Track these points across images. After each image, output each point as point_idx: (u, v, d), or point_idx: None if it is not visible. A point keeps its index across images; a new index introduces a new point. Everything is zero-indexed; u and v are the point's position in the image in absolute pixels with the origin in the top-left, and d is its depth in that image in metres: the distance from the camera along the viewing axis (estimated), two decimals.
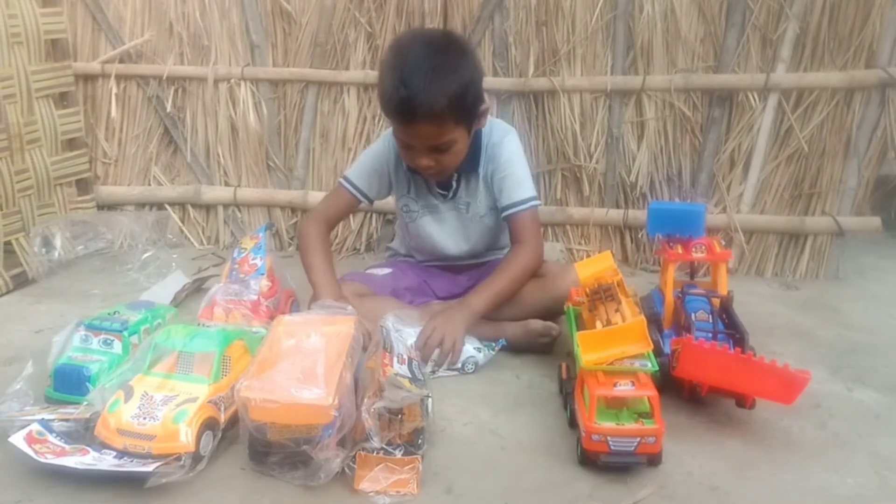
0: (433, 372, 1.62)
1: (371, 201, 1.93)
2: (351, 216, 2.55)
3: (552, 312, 1.78)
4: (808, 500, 1.23)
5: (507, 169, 1.82)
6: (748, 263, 2.38)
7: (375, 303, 1.75)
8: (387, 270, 1.95)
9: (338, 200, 1.93)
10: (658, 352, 1.46)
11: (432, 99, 1.58)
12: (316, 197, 2.56)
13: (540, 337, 1.74)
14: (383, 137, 1.90)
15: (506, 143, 1.84)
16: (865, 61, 2.22)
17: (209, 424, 1.29)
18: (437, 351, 1.62)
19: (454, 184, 1.87)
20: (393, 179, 1.90)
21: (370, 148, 1.94)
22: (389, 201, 2.00)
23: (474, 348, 1.67)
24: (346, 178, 1.90)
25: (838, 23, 2.22)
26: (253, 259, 1.85)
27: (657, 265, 2.35)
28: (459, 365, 1.65)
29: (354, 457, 1.23)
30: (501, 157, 1.83)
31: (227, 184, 2.64)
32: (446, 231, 1.93)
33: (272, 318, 1.63)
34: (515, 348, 1.74)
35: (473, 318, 1.70)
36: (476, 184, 1.86)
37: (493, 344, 1.69)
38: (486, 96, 1.78)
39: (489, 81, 2.28)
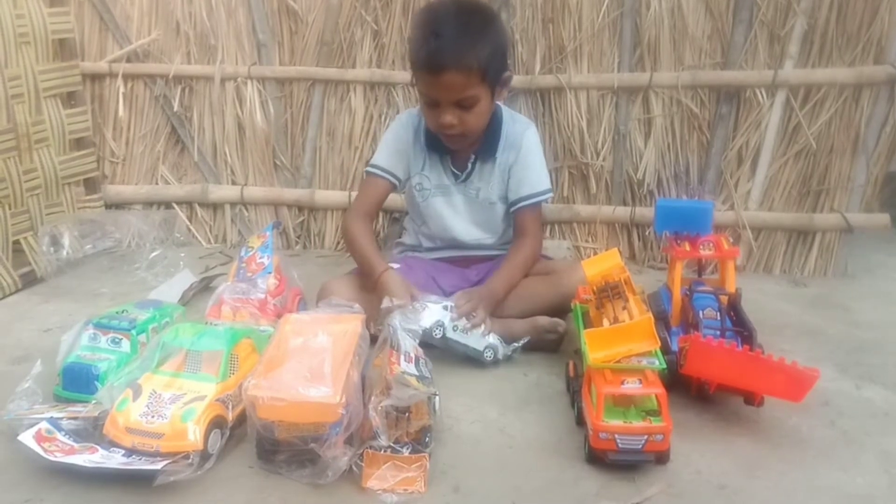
0: (457, 330, 1.64)
1: (401, 182, 1.95)
2: None
3: (560, 310, 1.78)
4: (817, 498, 1.22)
5: (526, 159, 1.89)
6: (756, 261, 2.37)
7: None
8: (395, 266, 1.96)
9: (371, 191, 1.95)
10: (666, 349, 1.46)
11: (462, 49, 1.67)
12: (322, 195, 2.57)
13: (547, 333, 1.74)
14: (399, 117, 2.00)
15: (528, 135, 1.91)
16: (874, 57, 2.20)
17: (217, 423, 1.29)
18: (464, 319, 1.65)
19: (469, 165, 1.90)
20: (410, 155, 1.93)
21: (387, 131, 2.00)
22: (396, 199, 2.00)
23: (497, 339, 1.68)
24: (373, 166, 1.94)
25: (846, 18, 2.20)
26: (260, 258, 1.85)
27: (665, 263, 2.35)
28: (481, 348, 1.66)
29: (362, 455, 1.24)
30: (522, 148, 1.89)
31: (234, 182, 2.64)
32: (457, 214, 1.96)
33: (279, 316, 1.63)
34: (523, 346, 1.74)
35: (497, 303, 1.76)
36: (491, 169, 1.90)
37: (516, 344, 1.69)
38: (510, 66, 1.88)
39: None
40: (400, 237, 2.18)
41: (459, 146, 1.87)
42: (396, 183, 1.94)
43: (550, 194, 1.93)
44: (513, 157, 1.89)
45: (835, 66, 2.24)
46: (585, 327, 1.49)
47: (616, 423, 1.26)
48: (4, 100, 2.15)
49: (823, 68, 2.25)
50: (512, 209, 1.90)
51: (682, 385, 1.49)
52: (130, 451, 1.24)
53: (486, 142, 1.88)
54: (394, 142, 1.94)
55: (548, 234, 2.47)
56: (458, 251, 2.00)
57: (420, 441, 1.26)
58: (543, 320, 1.74)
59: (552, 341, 1.74)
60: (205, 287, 2.13)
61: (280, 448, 1.26)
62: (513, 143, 1.89)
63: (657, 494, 1.22)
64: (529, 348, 1.73)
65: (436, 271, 1.96)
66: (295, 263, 2.05)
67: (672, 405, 1.29)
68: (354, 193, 2.52)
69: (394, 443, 1.24)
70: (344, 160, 2.57)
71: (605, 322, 1.44)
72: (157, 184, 2.67)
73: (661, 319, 1.59)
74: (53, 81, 2.35)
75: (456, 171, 1.92)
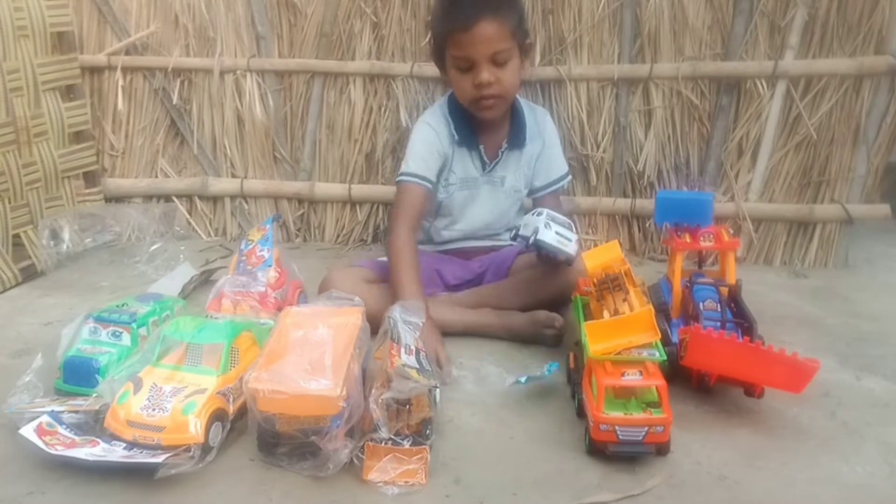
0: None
1: (434, 185, 1.90)
2: (358, 207, 2.56)
3: (561, 300, 1.78)
4: (818, 489, 1.23)
5: (552, 146, 2.01)
6: (756, 252, 2.37)
7: (383, 290, 1.77)
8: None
9: (411, 199, 1.85)
10: (666, 341, 1.46)
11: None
12: (322, 188, 2.56)
13: (544, 328, 1.73)
14: (424, 119, 1.94)
15: (548, 122, 2.03)
16: (875, 47, 2.20)
17: (218, 416, 1.29)
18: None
19: (500, 154, 1.94)
20: (447, 153, 1.92)
21: (414, 136, 1.93)
22: (392, 194, 1.98)
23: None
24: (406, 174, 1.86)
25: (847, 9, 2.19)
26: (260, 251, 1.85)
27: (665, 254, 2.35)
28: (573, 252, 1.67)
29: (363, 447, 1.24)
30: (546, 136, 1.99)
31: (233, 175, 2.64)
32: (480, 206, 1.99)
33: (280, 309, 1.64)
34: (522, 340, 1.74)
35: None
36: (518, 157, 1.96)
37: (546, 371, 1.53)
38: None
39: None
40: None
41: (495, 114, 1.85)
42: (430, 187, 1.87)
43: (570, 176, 2.10)
44: (539, 146, 1.97)
45: (835, 57, 2.23)
46: (586, 319, 1.49)
47: (617, 414, 1.26)
48: (3, 93, 2.14)
49: (824, 59, 2.24)
50: (539, 194, 2.00)
51: (683, 377, 1.50)
52: (132, 445, 1.24)
53: (514, 129, 1.94)
54: (425, 145, 1.89)
55: None
56: (471, 242, 2.01)
57: (421, 433, 1.26)
58: (541, 315, 1.74)
59: (551, 336, 1.73)
60: (205, 280, 2.13)
61: (281, 441, 1.26)
62: (537, 131, 1.97)
63: (658, 486, 1.22)
64: (528, 342, 1.74)
65: (439, 263, 1.96)
66: (295, 256, 2.05)
67: (672, 397, 1.29)
68: (354, 186, 2.53)
69: (395, 435, 1.24)
70: (344, 153, 2.57)
71: (606, 314, 1.43)
72: (156, 177, 2.67)
73: (662, 311, 1.59)
74: (52, 75, 2.34)
75: (486, 160, 1.94)
